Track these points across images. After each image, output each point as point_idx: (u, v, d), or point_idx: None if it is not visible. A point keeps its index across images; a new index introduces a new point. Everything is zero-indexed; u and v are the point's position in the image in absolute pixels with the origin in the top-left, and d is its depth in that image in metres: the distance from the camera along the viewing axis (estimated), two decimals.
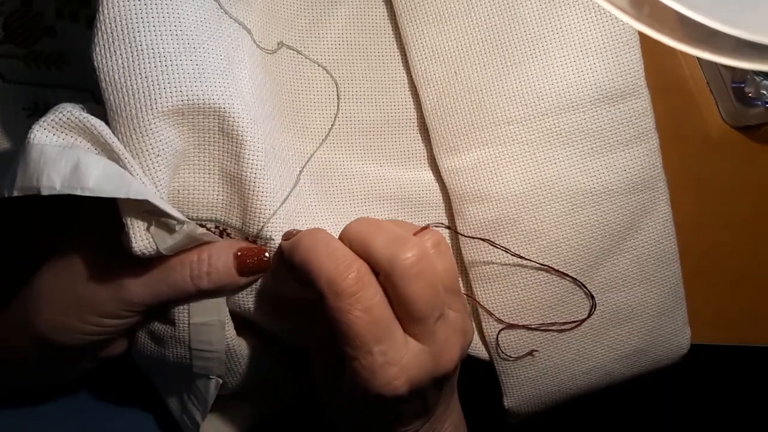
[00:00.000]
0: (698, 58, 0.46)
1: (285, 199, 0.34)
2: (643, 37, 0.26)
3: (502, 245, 0.39)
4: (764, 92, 0.44)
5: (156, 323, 0.35)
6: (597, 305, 0.40)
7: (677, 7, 0.24)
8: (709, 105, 0.47)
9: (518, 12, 0.38)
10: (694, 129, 0.47)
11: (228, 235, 0.34)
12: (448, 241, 0.41)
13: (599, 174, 0.39)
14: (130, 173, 0.30)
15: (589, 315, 0.40)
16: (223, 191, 0.33)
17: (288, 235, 0.33)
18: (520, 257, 0.39)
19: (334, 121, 0.39)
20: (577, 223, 0.39)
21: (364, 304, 0.30)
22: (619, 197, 0.39)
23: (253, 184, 0.32)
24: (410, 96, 0.41)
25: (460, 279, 0.41)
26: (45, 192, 0.28)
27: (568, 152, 0.39)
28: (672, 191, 0.41)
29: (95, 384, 0.42)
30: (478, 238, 0.40)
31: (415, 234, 0.33)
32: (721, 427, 0.68)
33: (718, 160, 0.47)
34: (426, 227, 0.33)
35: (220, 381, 0.36)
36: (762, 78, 0.44)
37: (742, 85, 0.45)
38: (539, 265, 0.39)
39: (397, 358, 0.30)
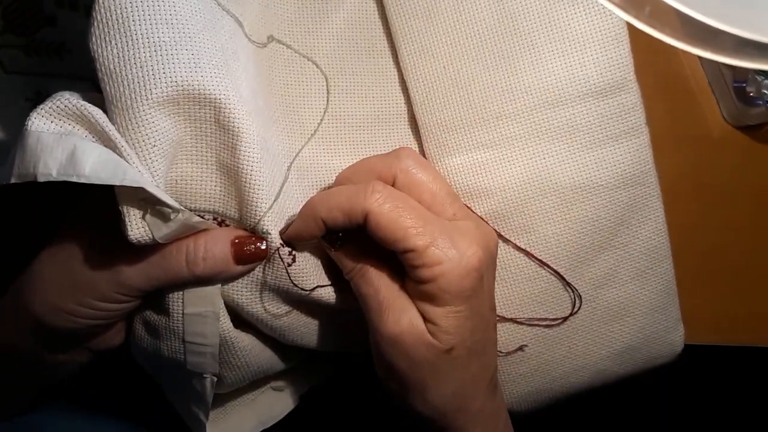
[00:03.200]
0: (699, 58, 0.46)
1: (278, 194, 0.34)
2: (643, 36, 0.26)
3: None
4: (766, 92, 0.44)
5: (151, 313, 0.35)
6: (588, 302, 0.40)
7: (678, 6, 0.24)
8: (711, 104, 0.47)
9: (507, 7, 0.38)
10: (696, 128, 0.47)
11: (227, 226, 0.34)
12: None
13: (589, 169, 0.39)
14: (127, 161, 0.30)
15: (574, 310, 0.40)
16: (220, 183, 0.33)
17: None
18: (523, 251, 0.39)
19: (323, 115, 0.39)
20: (567, 218, 0.39)
21: (402, 200, 0.32)
22: (610, 192, 0.39)
23: (249, 176, 0.32)
24: (401, 91, 0.41)
25: None
26: (41, 179, 0.28)
27: (557, 147, 0.39)
28: (673, 191, 0.41)
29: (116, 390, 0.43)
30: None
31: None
32: (720, 429, 0.68)
33: (720, 159, 0.47)
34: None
35: (215, 379, 0.36)
36: (763, 77, 0.44)
37: (744, 85, 0.45)
38: (529, 259, 0.39)
39: (458, 231, 0.32)
